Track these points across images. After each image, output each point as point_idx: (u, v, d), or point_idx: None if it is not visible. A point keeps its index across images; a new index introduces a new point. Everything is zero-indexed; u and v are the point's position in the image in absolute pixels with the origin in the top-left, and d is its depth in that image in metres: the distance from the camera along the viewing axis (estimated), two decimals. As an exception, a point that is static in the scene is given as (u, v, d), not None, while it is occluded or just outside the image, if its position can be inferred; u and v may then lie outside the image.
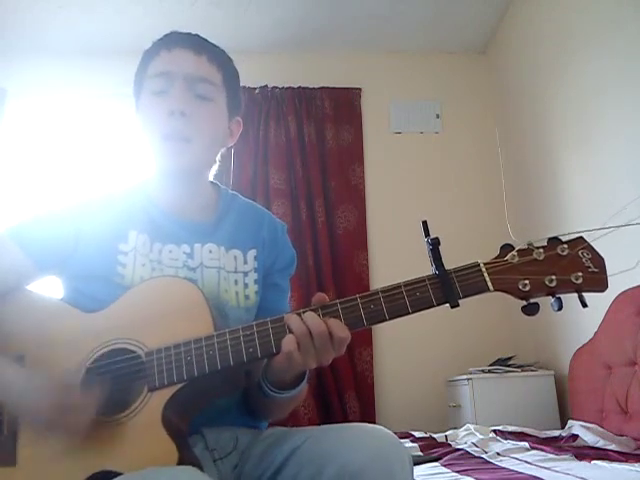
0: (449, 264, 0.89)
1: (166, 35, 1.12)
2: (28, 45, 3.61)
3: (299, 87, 3.78)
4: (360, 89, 3.88)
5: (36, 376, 0.89)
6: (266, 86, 3.70)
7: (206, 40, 1.13)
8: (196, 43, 1.10)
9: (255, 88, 3.69)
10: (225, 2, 3.45)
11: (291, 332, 0.88)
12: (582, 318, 2.74)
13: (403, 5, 3.56)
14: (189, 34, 1.12)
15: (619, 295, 2.38)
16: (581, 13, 2.88)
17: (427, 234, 0.90)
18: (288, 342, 0.87)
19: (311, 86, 3.79)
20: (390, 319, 0.88)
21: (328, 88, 3.81)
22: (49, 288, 1.05)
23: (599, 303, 2.34)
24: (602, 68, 2.69)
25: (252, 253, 1.12)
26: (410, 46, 3.92)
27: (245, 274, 1.10)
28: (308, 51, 3.88)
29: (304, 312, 0.89)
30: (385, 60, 3.95)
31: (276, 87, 3.74)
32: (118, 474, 0.80)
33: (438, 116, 3.92)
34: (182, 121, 1.04)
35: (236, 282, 1.09)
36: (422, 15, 3.65)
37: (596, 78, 2.74)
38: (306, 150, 3.67)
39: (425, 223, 0.91)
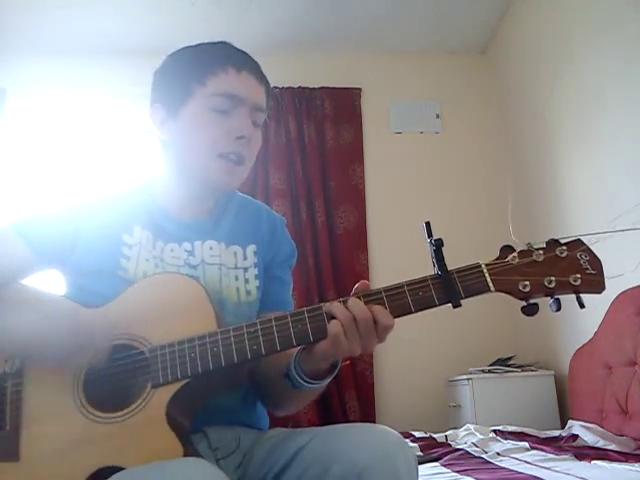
0: (448, 264, 0.90)
1: (224, 46, 1.10)
2: (28, 45, 3.61)
3: (299, 87, 3.78)
4: (360, 89, 3.88)
5: (46, 309, 0.92)
6: (266, 86, 3.69)
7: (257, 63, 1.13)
8: (257, 68, 1.10)
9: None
10: (225, 2, 3.45)
11: (334, 318, 0.88)
12: (582, 318, 2.74)
13: (403, 5, 3.56)
14: (244, 53, 1.11)
15: (619, 295, 2.38)
16: (581, 13, 2.88)
17: (430, 235, 0.91)
18: (334, 326, 0.87)
19: (311, 86, 3.79)
20: (393, 318, 0.88)
21: (328, 88, 3.81)
22: (52, 284, 1.06)
23: (599, 303, 2.34)
24: (602, 68, 2.69)
25: (251, 248, 1.13)
26: (410, 46, 3.92)
27: (245, 270, 1.11)
28: (308, 51, 3.87)
29: (345, 301, 0.89)
30: (385, 60, 3.95)
31: (276, 87, 3.73)
32: (123, 470, 0.81)
33: (438, 116, 3.91)
34: (246, 147, 1.07)
35: (237, 278, 1.09)
36: (422, 15, 3.65)
37: (596, 78, 2.74)
38: (306, 150, 3.67)
39: (428, 224, 0.91)
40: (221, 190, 1.10)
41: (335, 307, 0.88)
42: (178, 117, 1.08)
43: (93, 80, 3.65)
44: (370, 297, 0.89)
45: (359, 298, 0.89)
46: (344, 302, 0.89)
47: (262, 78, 1.11)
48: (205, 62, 1.08)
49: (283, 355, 0.93)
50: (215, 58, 1.08)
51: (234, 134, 1.05)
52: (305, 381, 0.94)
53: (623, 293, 2.36)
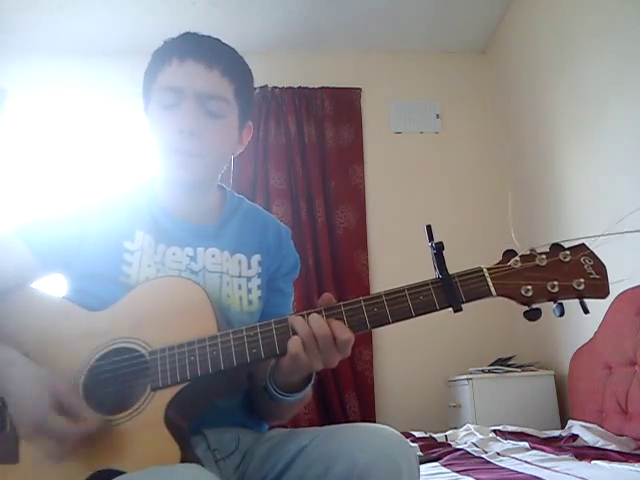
0: (448, 265, 0.89)
1: (181, 37, 1.08)
2: (28, 45, 3.61)
3: (299, 87, 3.78)
4: (360, 89, 3.88)
5: (40, 371, 0.88)
6: (266, 86, 3.70)
7: (222, 45, 1.08)
8: (210, 53, 1.05)
9: (255, 88, 3.68)
10: (225, 2, 3.45)
11: (296, 334, 0.87)
12: (582, 318, 2.71)
13: (403, 5, 3.55)
14: (204, 38, 1.08)
15: (619, 295, 2.37)
16: (581, 13, 2.88)
17: (431, 238, 0.90)
18: (293, 344, 0.87)
19: (311, 86, 3.79)
20: (393, 322, 0.88)
21: (328, 88, 3.81)
22: (54, 287, 1.06)
23: (599, 303, 2.33)
24: (602, 68, 2.69)
25: (256, 258, 1.12)
26: (410, 46, 3.92)
27: (249, 279, 1.10)
28: (308, 51, 3.87)
29: (309, 314, 0.89)
30: (385, 60, 3.95)
31: (276, 87, 3.74)
32: (120, 473, 0.81)
33: (438, 116, 3.92)
34: (191, 140, 1.03)
35: (240, 287, 1.09)
36: (422, 15, 3.65)
37: (596, 78, 2.74)
38: (306, 150, 3.67)
39: (429, 227, 0.91)
40: (183, 185, 1.08)
41: (297, 321, 0.88)
42: (147, 118, 1.10)
43: (93, 80, 3.66)
44: (372, 301, 0.89)
45: (361, 302, 0.88)
46: (306, 316, 0.88)
47: (215, 63, 1.04)
48: (159, 57, 1.07)
49: (266, 367, 0.94)
50: (166, 52, 1.07)
51: (176, 128, 1.03)
52: (279, 394, 0.95)
53: (623, 293, 2.36)
